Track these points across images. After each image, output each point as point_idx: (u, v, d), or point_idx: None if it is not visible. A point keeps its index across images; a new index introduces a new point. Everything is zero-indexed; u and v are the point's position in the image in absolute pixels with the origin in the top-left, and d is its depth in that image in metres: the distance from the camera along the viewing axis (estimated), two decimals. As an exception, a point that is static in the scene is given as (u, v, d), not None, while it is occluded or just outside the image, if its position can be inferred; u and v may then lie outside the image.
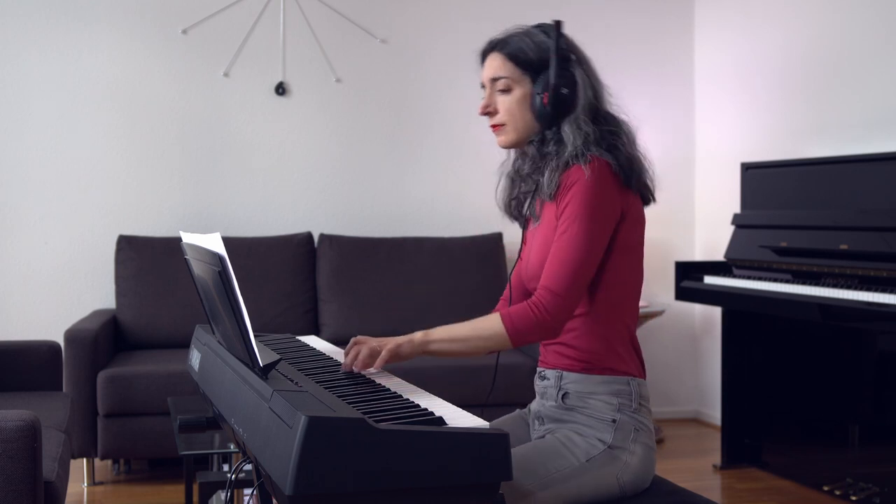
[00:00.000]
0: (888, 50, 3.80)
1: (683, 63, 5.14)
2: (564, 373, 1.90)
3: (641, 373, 1.93)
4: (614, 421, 1.85)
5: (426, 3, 4.87)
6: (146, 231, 4.55)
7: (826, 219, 3.62)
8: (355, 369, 1.80)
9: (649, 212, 1.97)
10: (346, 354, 1.83)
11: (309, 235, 4.58)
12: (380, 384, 1.73)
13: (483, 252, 4.66)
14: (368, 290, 4.50)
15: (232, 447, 2.80)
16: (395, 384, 1.76)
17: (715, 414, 4.89)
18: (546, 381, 1.95)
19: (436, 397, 1.65)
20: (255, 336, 1.62)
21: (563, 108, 1.87)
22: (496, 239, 4.72)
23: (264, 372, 1.57)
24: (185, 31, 4.61)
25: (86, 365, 3.80)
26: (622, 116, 1.93)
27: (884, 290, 3.14)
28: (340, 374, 1.79)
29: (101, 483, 3.96)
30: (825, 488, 3.64)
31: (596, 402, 1.87)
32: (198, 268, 1.77)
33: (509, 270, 4.67)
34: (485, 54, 1.99)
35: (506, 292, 2.12)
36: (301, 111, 4.75)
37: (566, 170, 1.85)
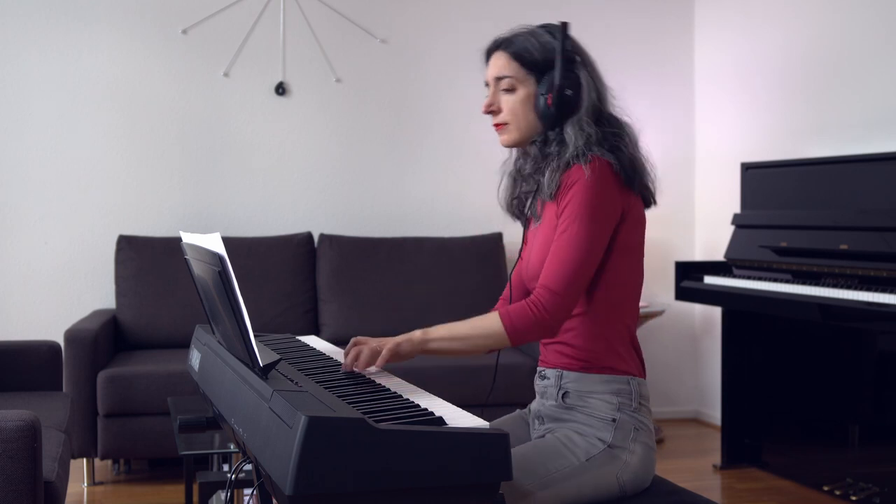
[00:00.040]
0: (888, 50, 3.80)
1: (683, 63, 5.14)
2: (565, 372, 1.90)
3: (641, 372, 1.93)
4: (614, 420, 1.85)
5: (426, 3, 4.87)
6: (146, 231, 4.55)
7: (826, 219, 3.62)
8: (357, 370, 1.80)
9: (649, 211, 1.97)
10: (346, 355, 1.83)
11: (309, 235, 4.58)
12: (380, 384, 1.73)
13: (483, 252, 4.66)
14: (368, 290, 4.50)
15: (232, 447, 2.80)
16: (395, 384, 1.76)
17: (715, 414, 4.89)
18: (546, 381, 1.95)
19: (436, 397, 1.65)
20: (255, 336, 1.62)
21: (566, 110, 1.88)
22: (496, 239, 4.72)
23: (264, 372, 1.57)
24: (185, 31, 4.61)
25: (86, 365, 3.80)
26: (625, 119, 1.94)
27: (884, 290, 3.14)
28: (340, 374, 1.79)
29: (101, 483, 3.96)
30: (825, 488, 3.64)
31: (596, 401, 1.87)
32: (198, 268, 1.77)
33: (509, 270, 4.68)
34: (489, 53, 1.99)
35: (505, 292, 2.12)
36: (301, 111, 4.75)
37: (567, 170, 1.85)
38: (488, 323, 1.82)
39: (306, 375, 1.75)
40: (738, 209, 4.30)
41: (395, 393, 1.65)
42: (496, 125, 1.97)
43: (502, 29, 2.03)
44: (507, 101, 1.94)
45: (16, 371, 3.40)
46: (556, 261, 1.82)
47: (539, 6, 4.76)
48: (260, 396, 1.47)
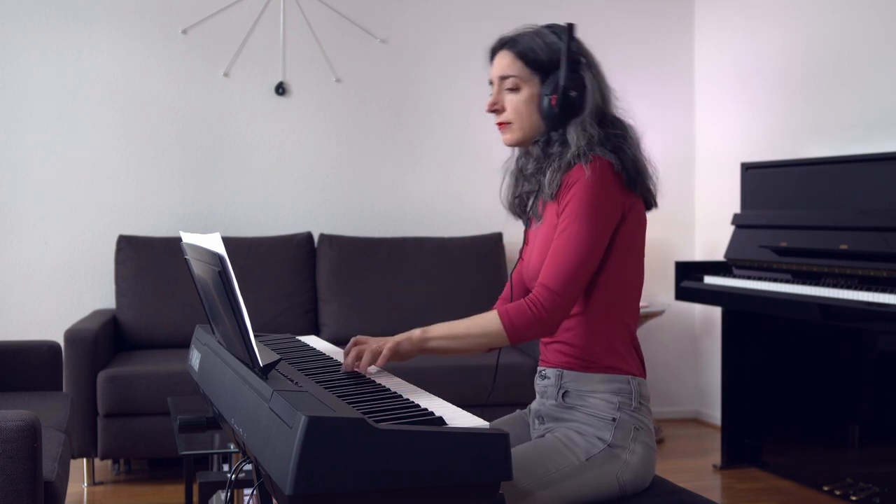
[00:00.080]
0: (888, 50, 3.80)
1: (683, 63, 5.14)
2: (565, 371, 1.90)
3: (642, 372, 1.93)
4: (614, 420, 1.85)
5: (426, 3, 4.87)
6: (146, 231, 4.55)
7: (826, 219, 3.62)
8: (358, 370, 1.80)
9: (649, 212, 1.98)
10: (346, 355, 1.83)
11: (309, 235, 4.58)
12: (380, 384, 1.73)
13: (483, 252, 4.66)
14: (368, 290, 4.50)
15: (232, 447, 2.80)
16: (395, 384, 1.76)
17: (715, 414, 4.89)
18: (546, 381, 1.95)
19: (436, 397, 1.65)
20: (255, 336, 1.62)
21: (570, 111, 1.88)
22: (496, 239, 4.72)
23: (264, 372, 1.57)
24: (185, 31, 4.61)
25: (86, 365, 3.80)
26: (629, 121, 1.94)
27: (884, 290, 3.14)
28: (340, 374, 1.79)
29: (101, 483, 3.96)
30: (825, 488, 3.64)
31: (596, 400, 1.87)
32: (198, 268, 1.77)
33: (509, 270, 4.68)
34: (494, 51, 1.99)
35: (505, 291, 2.12)
36: (301, 111, 4.75)
37: (568, 170, 1.85)
38: (487, 322, 1.83)
39: (306, 375, 1.75)
40: (738, 209, 4.30)
41: (395, 393, 1.65)
42: (499, 124, 1.97)
43: (502, 29, 2.03)
44: (511, 101, 1.94)
45: (16, 371, 3.40)
46: (556, 260, 1.82)
47: (539, 6, 4.76)
48: (260, 396, 1.47)
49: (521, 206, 2.04)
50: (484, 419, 1.49)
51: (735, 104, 4.79)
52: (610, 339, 1.89)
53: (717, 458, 4.25)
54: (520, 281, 2.08)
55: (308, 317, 4.48)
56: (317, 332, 4.48)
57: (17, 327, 4.42)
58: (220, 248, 1.56)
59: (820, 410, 3.86)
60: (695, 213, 5.14)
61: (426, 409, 1.52)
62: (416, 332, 1.84)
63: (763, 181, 4.08)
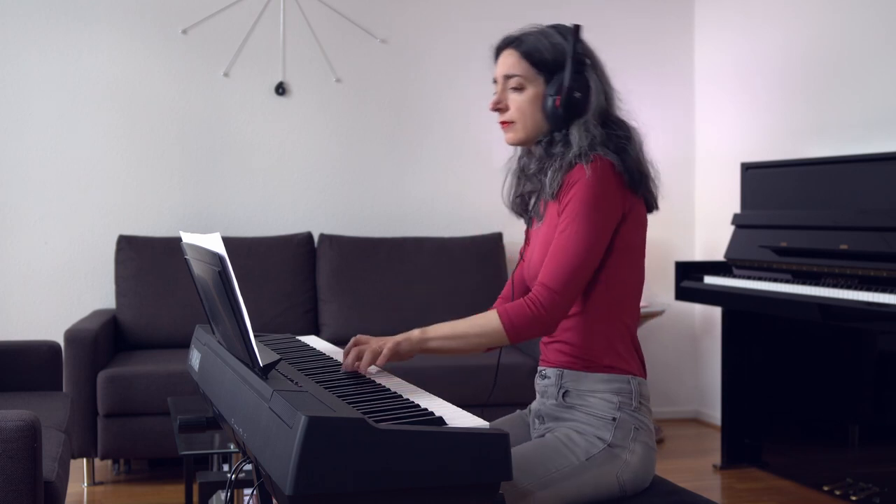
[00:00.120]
0: (888, 50, 3.80)
1: (683, 63, 5.14)
2: (565, 371, 1.91)
3: (642, 372, 1.93)
4: (614, 419, 1.85)
5: (426, 3, 4.87)
6: (146, 231, 4.55)
7: (826, 219, 3.62)
8: (359, 370, 1.80)
9: (650, 214, 1.98)
10: (346, 355, 1.83)
11: (309, 235, 4.58)
12: (380, 384, 1.73)
13: (483, 252, 4.66)
14: (368, 290, 4.50)
15: (232, 447, 2.80)
16: (395, 384, 1.76)
17: (715, 414, 4.89)
18: (547, 380, 1.95)
19: (436, 397, 1.65)
20: (255, 336, 1.62)
21: (574, 112, 1.88)
22: (496, 239, 4.72)
23: (264, 372, 1.57)
24: (185, 31, 4.61)
25: (86, 365, 3.80)
26: (632, 123, 1.94)
27: (884, 290, 3.14)
28: (340, 374, 1.79)
29: (101, 483, 3.96)
30: (825, 488, 3.64)
31: (596, 399, 1.87)
32: (198, 268, 1.77)
33: (509, 270, 4.68)
34: (499, 50, 1.99)
35: (505, 290, 2.12)
36: (301, 111, 4.75)
37: (569, 170, 1.86)
38: (487, 321, 1.83)
39: (306, 375, 1.75)
40: (738, 209, 4.30)
41: (395, 393, 1.65)
42: (502, 123, 1.97)
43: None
44: (515, 100, 1.94)
45: (16, 371, 3.40)
46: (555, 259, 1.82)
47: (539, 6, 4.76)
48: (260, 396, 1.47)
49: (522, 205, 2.05)
50: (484, 419, 1.49)
51: (735, 104, 4.79)
52: (610, 339, 1.89)
53: (717, 458, 4.25)
54: (521, 280, 2.08)
55: (308, 317, 4.48)
56: (317, 332, 4.48)
57: (17, 327, 4.42)
58: (220, 248, 1.56)
59: (820, 410, 3.86)
60: (695, 213, 5.14)
61: (426, 409, 1.52)
62: (416, 333, 1.84)
63: (763, 181, 4.08)
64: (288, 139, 4.74)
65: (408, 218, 4.86)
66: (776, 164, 4.06)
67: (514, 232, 4.76)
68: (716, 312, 4.71)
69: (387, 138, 4.85)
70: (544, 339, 1.98)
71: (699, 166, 5.11)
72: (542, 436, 1.91)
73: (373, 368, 1.84)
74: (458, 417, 1.49)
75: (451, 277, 4.57)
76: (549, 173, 1.88)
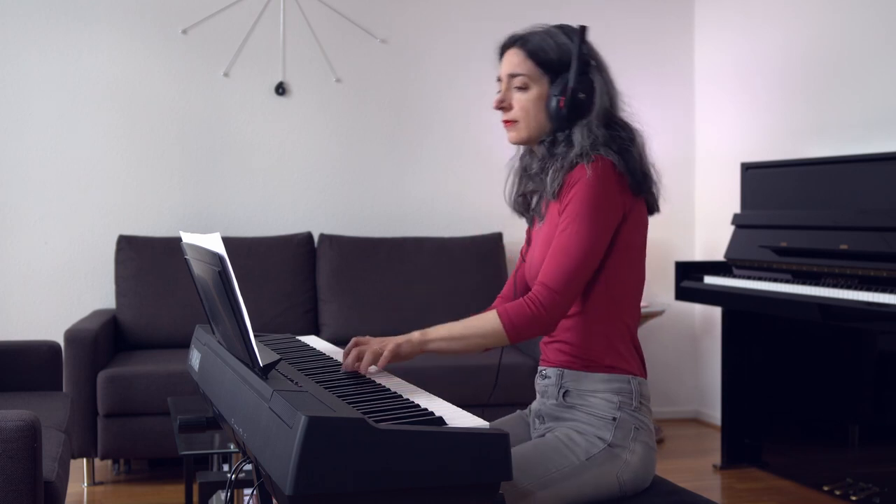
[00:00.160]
0: (888, 50, 3.80)
1: (683, 63, 5.14)
2: (566, 371, 1.91)
3: (642, 372, 1.93)
4: (615, 419, 1.85)
5: (426, 3, 4.87)
6: (146, 231, 4.55)
7: (826, 219, 3.62)
8: (360, 371, 1.80)
9: (652, 216, 1.98)
10: (346, 355, 1.83)
11: (309, 235, 4.58)
12: (380, 384, 1.73)
13: (483, 252, 4.66)
14: (368, 290, 4.50)
15: (232, 447, 2.80)
16: (395, 384, 1.76)
17: (715, 414, 4.89)
18: (547, 380, 1.95)
19: (436, 397, 1.65)
20: (255, 336, 1.62)
21: (577, 113, 1.88)
22: (496, 239, 4.72)
23: (264, 372, 1.57)
24: (185, 31, 4.61)
25: (86, 365, 3.80)
26: (636, 125, 1.94)
27: (884, 290, 3.14)
28: (340, 374, 1.79)
29: (101, 483, 3.96)
30: (825, 488, 3.64)
31: (596, 399, 1.87)
32: (198, 268, 1.77)
33: (509, 270, 4.68)
34: (504, 48, 1.99)
35: (505, 289, 2.13)
36: (301, 111, 4.75)
37: (571, 169, 1.86)
38: (486, 321, 1.83)
39: (306, 375, 1.75)
40: (738, 209, 4.30)
41: (395, 393, 1.65)
42: (505, 122, 1.97)
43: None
44: (519, 99, 1.94)
45: (16, 371, 3.40)
46: (556, 259, 1.82)
47: (539, 6, 4.76)
48: (260, 396, 1.47)
49: (524, 204, 2.05)
50: (484, 419, 1.49)
51: (735, 104, 4.79)
52: (610, 339, 1.89)
53: (717, 458, 4.25)
54: (522, 280, 2.08)
55: (308, 317, 4.48)
56: (317, 332, 4.48)
57: (17, 327, 4.42)
58: (220, 248, 1.56)
59: (820, 410, 3.86)
60: (695, 213, 5.14)
61: (426, 409, 1.52)
62: (416, 335, 1.84)
63: (763, 181, 4.08)
64: (288, 139, 4.74)
65: (408, 218, 4.86)
66: (776, 164, 4.05)
67: (514, 232, 4.76)
68: (716, 312, 4.71)
69: (387, 138, 4.85)
70: (545, 338, 1.98)
71: (699, 166, 5.11)
72: (543, 436, 1.91)
73: (372, 368, 1.84)
74: (458, 417, 1.49)
75: (451, 277, 4.57)
76: (551, 173, 1.88)
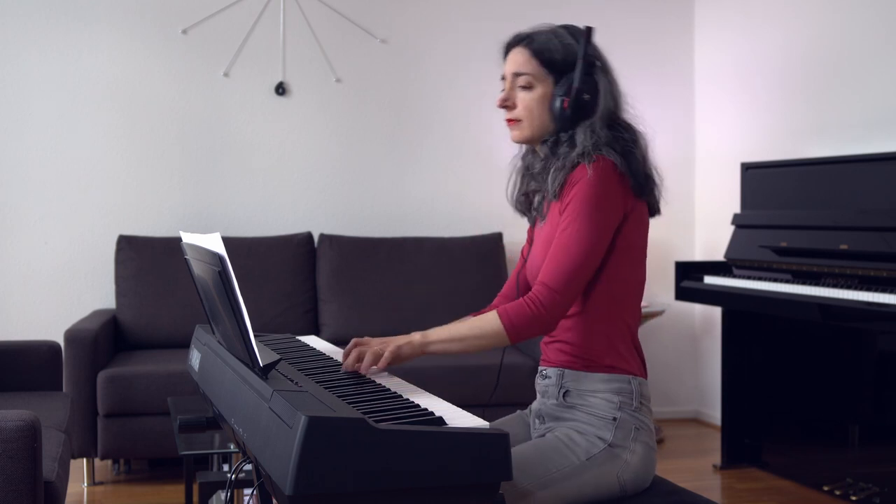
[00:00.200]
0: (888, 50, 3.80)
1: (683, 63, 5.14)
2: (566, 371, 1.91)
3: (643, 372, 1.93)
4: (615, 419, 1.85)
5: (426, 3, 4.87)
6: (146, 231, 4.55)
7: (826, 219, 3.62)
8: (360, 372, 1.80)
9: (653, 218, 1.98)
10: (346, 355, 1.83)
11: (309, 235, 4.58)
12: (380, 384, 1.73)
13: (483, 252, 4.66)
14: (368, 290, 4.50)
15: (232, 447, 2.80)
16: (396, 384, 1.76)
17: (715, 414, 4.89)
18: (548, 380, 1.95)
19: (436, 397, 1.65)
20: (255, 336, 1.62)
21: (581, 113, 1.88)
22: (496, 239, 4.72)
23: (264, 372, 1.57)
24: (185, 31, 4.61)
25: (86, 365, 3.80)
26: (639, 127, 1.94)
27: (884, 290, 3.14)
28: (340, 374, 1.79)
29: (101, 483, 3.96)
30: (825, 488, 3.64)
31: (597, 399, 1.87)
32: (198, 268, 1.77)
33: (510, 270, 4.68)
34: (509, 47, 1.98)
35: (504, 288, 2.13)
36: (301, 111, 4.75)
37: (572, 169, 1.86)
38: (487, 322, 1.82)
39: (306, 375, 1.75)
40: (738, 209, 4.30)
41: (395, 393, 1.65)
42: (509, 120, 1.97)
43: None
44: (523, 98, 1.94)
45: (16, 371, 3.40)
46: (556, 258, 1.82)
47: (539, 6, 4.76)
48: (260, 396, 1.47)
49: (526, 203, 2.05)
50: (485, 419, 1.49)
51: (735, 104, 4.79)
52: (610, 339, 1.89)
53: (717, 458, 4.25)
54: (524, 279, 2.08)
55: (308, 317, 4.48)
56: (317, 332, 4.48)
57: (17, 327, 4.42)
58: (220, 248, 1.56)
59: (820, 410, 3.86)
60: (695, 213, 5.14)
61: (426, 409, 1.52)
62: (417, 337, 1.83)
63: (763, 181, 4.08)
64: (288, 139, 4.74)
65: (408, 218, 4.86)
66: (776, 164, 4.05)
67: (514, 232, 4.76)
68: (716, 312, 4.71)
69: (387, 138, 4.85)
70: (545, 338, 1.98)
71: (699, 166, 5.11)
72: (543, 435, 1.91)
73: (373, 368, 1.84)
74: (458, 417, 1.49)
75: (451, 277, 4.57)
76: (552, 172, 1.89)
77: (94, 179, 4.53)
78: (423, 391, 1.70)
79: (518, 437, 1.99)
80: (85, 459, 3.88)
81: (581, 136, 1.87)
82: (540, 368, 1.99)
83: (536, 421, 1.98)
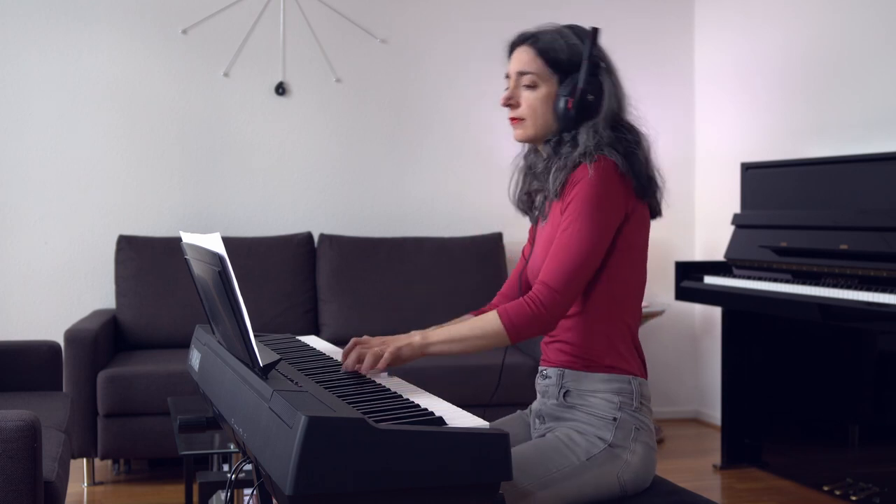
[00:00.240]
0: (888, 50, 3.80)
1: (683, 63, 5.14)
2: (566, 371, 1.91)
3: (643, 372, 1.93)
4: (615, 419, 1.85)
5: (426, 3, 4.87)
6: (146, 231, 4.55)
7: (826, 219, 3.62)
8: (360, 373, 1.80)
9: (654, 220, 1.98)
10: (345, 355, 1.83)
11: (309, 235, 4.58)
12: (380, 384, 1.73)
13: (483, 252, 4.66)
14: (368, 290, 4.50)
15: (232, 447, 2.80)
16: (395, 384, 1.76)
17: (715, 414, 4.89)
18: (548, 380, 1.95)
19: (436, 397, 1.65)
20: (255, 336, 1.62)
21: (585, 114, 1.88)
22: (496, 239, 4.72)
23: (264, 372, 1.57)
24: (185, 31, 4.61)
25: (86, 365, 3.80)
26: (642, 129, 1.94)
27: (884, 290, 3.14)
28: (340, 374, 1.79)
29: (101, 483, 3.96)
30: (825, 488, 3.64)
31: (597, 399, 1.87)
32: (198, 268, 1.77)
33: (510, 270, 4.68)
34: (514, 46, 1.98)
35: (504, 287, 2.13)
36: (301, 111, 4.75)
37: (573, 169, 1.86)
38: (486, 322, 1.82)
39: (306, 375, 1.75)
40: (738, 209, 4.30)
41: (395, 393, 1.65)
42: (512, 119, 1.97)
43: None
44: (527, 97, 1.94)
45: (16, 371, 3.40)
46: (556, 258, 1.82)
47: (539, 6, 4.76)
48: (260, 396, 1.47)
49: (528, 202, 2.05)
50: (486, 419, 1.49)
51: (735, 104, 4.79)
52: (611, 339, 1.89)
53: (717, 458, 4.25)
54: (526, 278, 2.08)
55: (308, 317, 4.48)
56: (317, 332, 4.48)
57: (17, 327, 4.42)
58: (220, 248, 1.56)
59: (820, 410, 3.86)
60: (695, 213, 5.14)
61: (426, 409, 1.52)
62: (417, 339, 1.83)
63: (763, 181, 4.08)
64: (288, 139, 4.74)
65: (408, 218, 4.86)
66: (776, 164, 4.05)
67: (514, 232, 4.76)
68: (716, 312, 4.71)
69: (387, 138, 4.85)
70: (545, 338, 1.98)
71: (699, 166, 5.11)
72: (543, 435, 1.91)
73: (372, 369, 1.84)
74: (458, 417, 1.49)
75: (451, 277, 4.57)
76: (553, 172, 1.89)
77: (94, 179, 4.53)
78: (423, 391, 1.70)
79: (518, 437, 1.99)
80: (85, 459, 3.88)
81: (584, 136, 1.87)
82: (540, 368, 1.99)
83: (536, 421, 1.98)
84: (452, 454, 1.33)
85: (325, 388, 1.63)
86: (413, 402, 1.57)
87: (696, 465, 4.25)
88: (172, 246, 4.37)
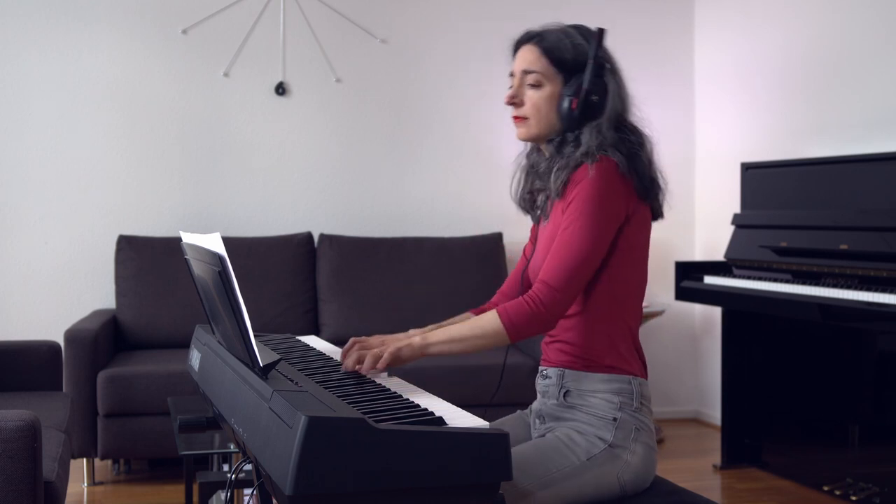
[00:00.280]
0: (888, 50, 3.80)
1: (683, 63, 5.14)
2: (566, 371, 1.91)
3: (643, 373, 1.93)
4: (615, 419, 1.85)
5: (426, 3, 4.87)
6: (146, 231, 4.55)
7: (826, 219, 3.62)
8: (362, 373, 1.80)
9: (655, 221, 1.98)
10: (344, 355, 1.83)
11: (309, 235, 4.58)
12: (380, 384, 1.73)
13: (483, 252, 4.66)
14: (368, 290, 4.50)
15: (232, 447, 2.80)
16: (395, 384, 1.76)
17: (715, 414, 4.89)
18: (548, 380, 1.95)
19: (436, 397, 1.65)
20: (255, 336, 1.62)
21: (589, 114, 1.89)
22: (496, 239, 4.72)
23: (264, 372, 1.57)
24: (185, 31, 4.61)
25: (86, 365, 3.80)
26: (645, 131, 1.94)
27: (884, 290, 3.14)
28: (340, 374, 1.79)
29: (101, 483, 3.96)
30: (825, 488, 3.64)
31: (597, 400, 1.87)
32: (198, 268, 1.77)
33: (510, 270, 4.68)
34: (519, 44, 1.98)
35: (504, 286, 2.13)
36: (301, 111, 4.75)
37: (575, 169, 1.86)
38: (486, 322, 1.82)
39: (306, 375, 1.75)
40: (738, 209, 4.30)
41: (395, 393, 1.65)
42: (515, 117, 1.97)
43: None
44: (531, 96, 1.94)
45: (16, 371, 3.40)
46: (557, 257, 1.82)
47: (539, 6, 4.76)
48: (260, 396, 1.47)
49: (530, 201, 2.05)
50: (485, 419, 1.49)
51: (735, 104, 4.79)
52: (611, 339, 1.89)
53: (717, 458, 4.25)
54: (527, 277, 2.08)
55: (308, 317, 4.48)
56: (317, 332, 4.48)
57: (17, 327, 4.42)
58: (220, 248, 1.56)
59: (820, 410, 3.86)
60: (695, 213, 5.14)
61: (426, 409, 1.52)
62: (417, 340, 1.83)
63: (763, 181, 4.08)
64: (288, 139, 4.74)
65: (408, 218, 4.86)
66: (776, 164, 4.05)
67: (514, 232, 4.76)
68: (716, 312, 4.71)
69: (387, 138, 4.85)
70: (545, 338, 1.98)
71: (699, 166, 5.11)
72: (543, 436, 1.91)
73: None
74: (458, 417, 1.49)
75: (451, 277, 4.57)
76: (555, 171, 1.89)
77: (94, 179, 4.53)
78: (423, 391, 1.70)
79: (518, 437, 1.99)
80: (85, 459, 3.88)
81: (587, 136, 1.87)
82: (540, 368, 1.99)
83: (537, 421, 1.98)
84: (452, 454, 1.33)
85: (325, 388, 1.63)
86: (413, 402, 1.57)
87: (696, 465, 4.25)
88: (172, 246, 4.37)
